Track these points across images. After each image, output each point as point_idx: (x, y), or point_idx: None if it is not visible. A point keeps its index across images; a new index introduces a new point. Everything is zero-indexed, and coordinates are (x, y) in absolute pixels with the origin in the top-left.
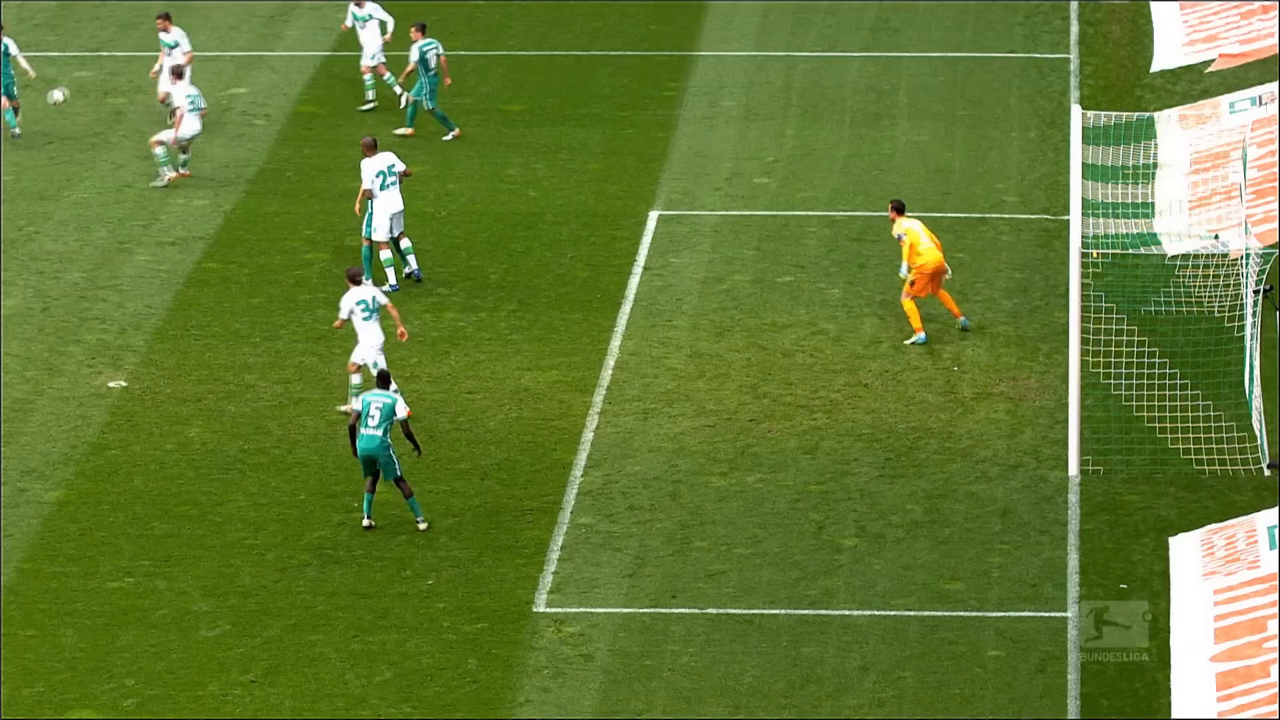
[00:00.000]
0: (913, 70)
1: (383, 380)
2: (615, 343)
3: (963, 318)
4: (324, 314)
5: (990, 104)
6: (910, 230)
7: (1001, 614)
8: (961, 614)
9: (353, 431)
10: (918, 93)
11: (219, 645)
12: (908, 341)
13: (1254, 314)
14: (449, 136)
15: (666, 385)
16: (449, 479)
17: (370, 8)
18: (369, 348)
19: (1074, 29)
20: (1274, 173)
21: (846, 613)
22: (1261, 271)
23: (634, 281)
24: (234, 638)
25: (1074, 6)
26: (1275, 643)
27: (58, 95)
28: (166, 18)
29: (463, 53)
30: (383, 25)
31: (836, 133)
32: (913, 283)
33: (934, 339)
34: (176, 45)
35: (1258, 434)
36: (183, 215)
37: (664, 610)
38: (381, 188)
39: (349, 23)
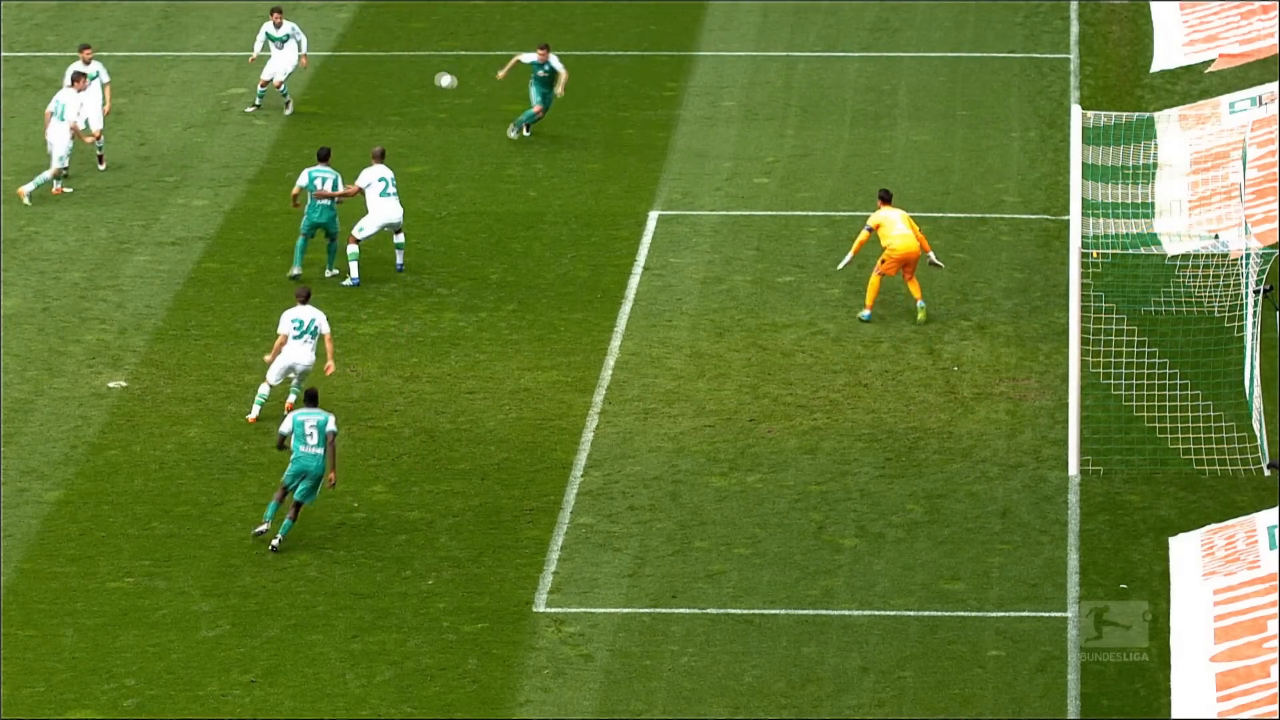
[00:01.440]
0: (913, 70)
1: (310, 399)
2: (615, 343)
3: (920, 300)
4: (324, 314)
5: (990, 104)
6: (884, 219)
7: (1001, 614)
8: (961, 614)
9: (282, 444)
10: (918, 93)
11: (219, 645)
12: (858, 315)
13: (1254, 314)
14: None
15: (666, 385)
16: (449, 479)
17: (289, 27)
18: (282, 368)
19: (1074, 29)
20: (1274, 173)
21: (846, 613)
22: (1261, 271)
23: (634, 281)
24: (234, 638)
25: (1074, 6)
26: (1275, 643)
27: (446, 80)
28: (88, 48)
29: (462, 53)
30: (299, 45)
31: (836, 133)
32: (883, 260)
33: (934, 339)
34: (97, 76)
35: (1258, 434)
36: (183, 215)
37: (664, 610)
38: (381, 194)
39: (258, 48)
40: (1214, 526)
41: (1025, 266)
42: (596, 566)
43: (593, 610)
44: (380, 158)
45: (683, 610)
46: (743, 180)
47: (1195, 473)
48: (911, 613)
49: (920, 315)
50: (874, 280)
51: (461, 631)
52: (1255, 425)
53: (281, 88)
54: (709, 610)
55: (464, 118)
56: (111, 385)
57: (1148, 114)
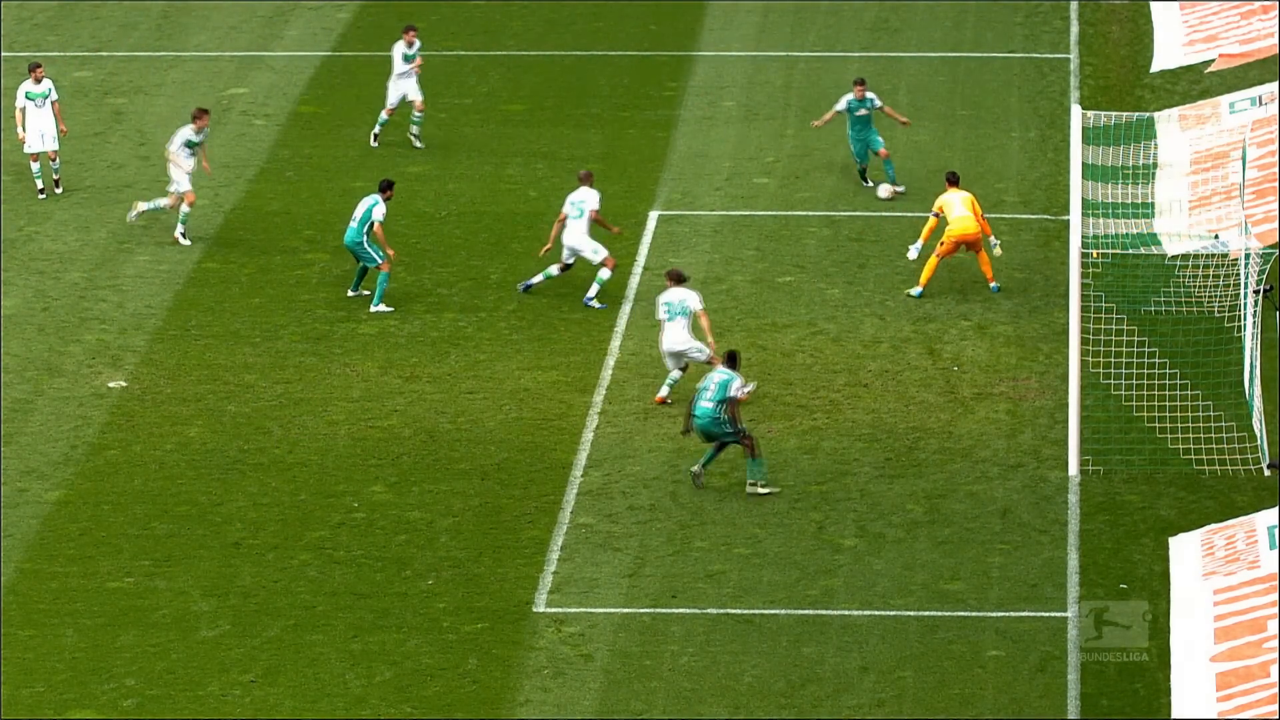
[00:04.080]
0: (913, 70)
1: (730, 359)
2: (615, 343)
3: (994, 283)
4: (324, 314)
5: (990, 104)
6: (946, 201)
7: (1001, 614)
8: (961, 614)
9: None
10: (918, 93)
11: (219, 645)
12: (908, 291)
13: (1254, 314)
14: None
15: None
16: (449, 479)
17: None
18: (667, 353)
19: (1074, 29)
20: (1274, 173)
21: (846, 613)
22: (1261, 271)
23: (634, 281)
24: (234, 638)
25: (1074, 6)
26: (1275, 643)
27: (885, 191)
28: (39, 67)
29: (462, 53)
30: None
31: (837, 133)
32: (942, 242)
33: (934, 339)
34: (48, 95)
35: (1258, 434)
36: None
37: (664, 610)
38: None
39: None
40: (1214, 526)
41: (1025, 266)
42: (596, 566)
43: (593, 610)
44: (585, 180)
45: (683, 610)
46: (743, 180)
47: (1195, 473)
48: (911, 613)
49: (998, 290)
50: (932, 260)
51: (461, 631)
52: (1255, 425)
53: (416, 114)
54: (709, 610)
55: (464, 118)
56: (111, 385)
57: (1148, 114)
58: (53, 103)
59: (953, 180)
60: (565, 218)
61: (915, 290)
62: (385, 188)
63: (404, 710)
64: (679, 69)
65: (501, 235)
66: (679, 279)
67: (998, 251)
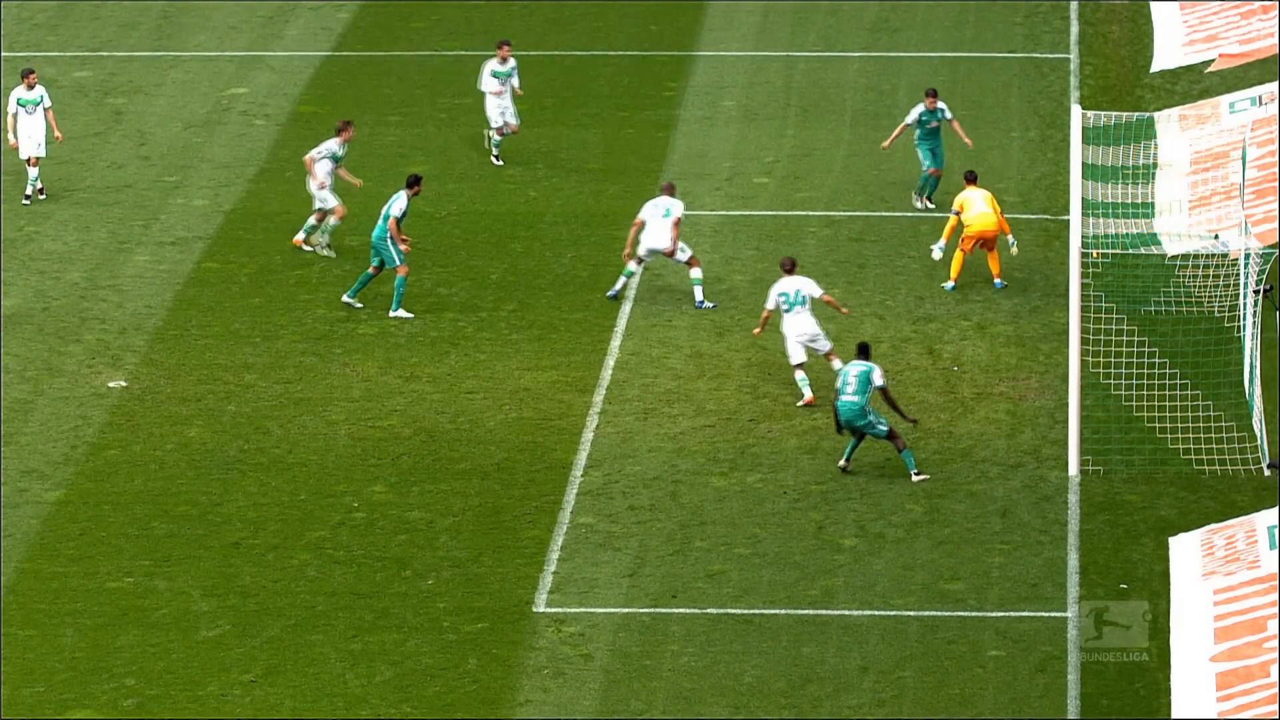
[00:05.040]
0: (913, 70)
1: (861, 351)
2: (615, 343)
3: (999, 279)
4: (324, 314)
5: (990, 104)
6: (965, 199)
7: (1001, 614)
8: (961, 614)
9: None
10: (918, 93)
11: (219, 645)
12: (942, 284)
13: (1254, 314)
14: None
15: (666, 385)
16: (449, 479)
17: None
18: (794, 343)
19: (1074, 29)
20: (1274, 173)
21: (846, 613)
22: (1261, 271)
23: (634, 282)
24: (234, 638)
25: (1074, 6)
26: (1275, 643)
27: (939, 254)
28: (32, 73)
29: (463, 53)
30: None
31: (836, 133)
32: (963, 239)
33: (934, 339)
34: (40, 102)
35: (1258, 434)
36: (183, 215)
37: (664, 610)
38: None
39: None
40: (1214, 526)
41: (1025, 266)
42: (596, 566)
43: (593, 610)
44: (668, 191)
45: (683, 610)
46: (743, 180)
47: (1195, 473)
48: (911, 613)
49: (1001, 287)
50: (958, 256)
51: (461, 631)
52: (1255, 425)
53: (505, 131)
54: (709, 610)
55: (464, 118)
56: (111, 385)
57: (1148, 114)
58: (45, 110)
59: (970, 179)
60: (643, 222)
61: (948, 284)
62: (412, 183)
63: (404, 710)
64: (679, 69)
65: (501, 235)
66: (791, 267)
67: (1014, 251)
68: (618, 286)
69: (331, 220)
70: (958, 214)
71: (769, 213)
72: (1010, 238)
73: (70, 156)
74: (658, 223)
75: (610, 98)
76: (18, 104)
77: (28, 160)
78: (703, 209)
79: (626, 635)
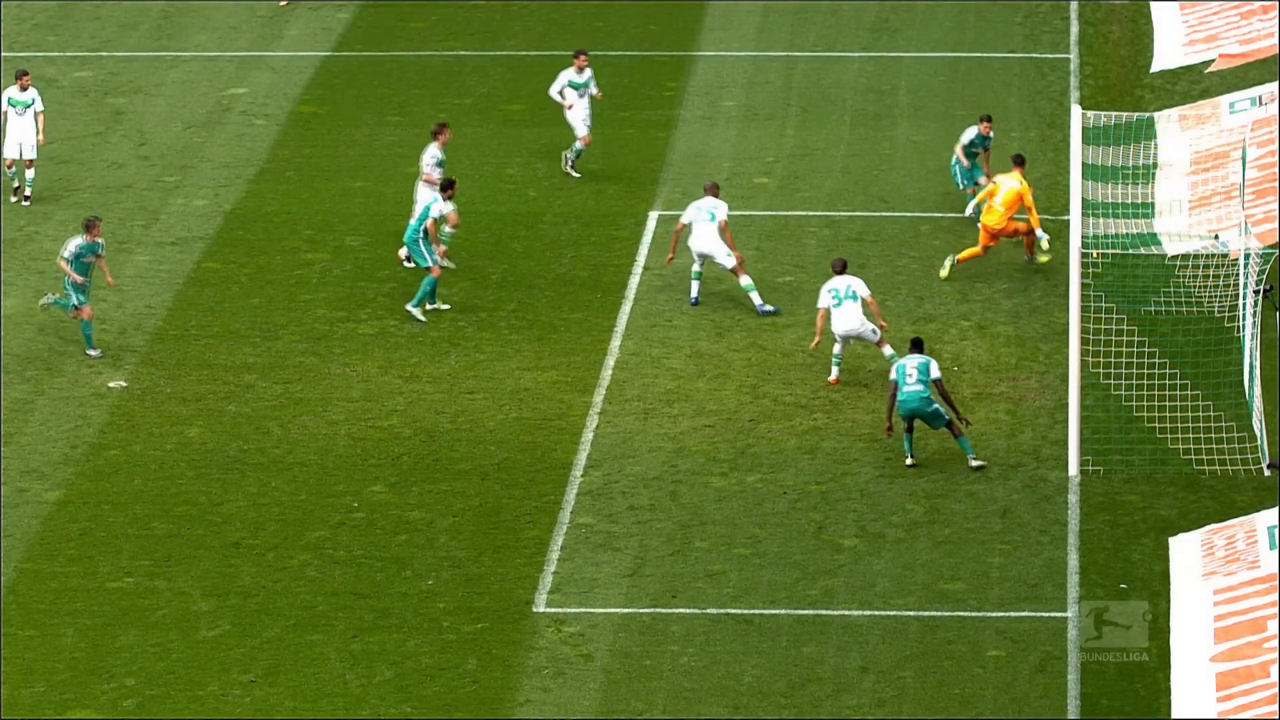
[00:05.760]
0: (913, 70)
1: (915, 345)
2: (615, 343)
3: (1028, 256)
4: (324, 314)
5: (990, 104)
6: (998, 181)
7: (1001, 614)
8: (961, 614)
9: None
10: (918, 93)
11: (219, 645)
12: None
13: (1254, 314)
14: None
15: (666, 385)
16: (449, 479)
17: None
18: (841, 336)
19: (1074, 29)
20: (1274, 173)
21: (846, 613)
22: (1261, 271)
23: (634, 281)
24: (234, 638)
25: (1074, 6)
26: (1275, 643)
27: (947, 270)
28: (26, 75)
29: (462, 53)
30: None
31: (836, 133)
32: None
33: (934, 339)
34: (32, 104)
35: (1258, 434)
36: (183, 215)
37: (664, 610)
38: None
39: (566, 97)
40: (1214, 526)
41: (1025, 266)
42: (596, 566)
43: (593, 610)
44: (712, 191)
45: (683, 610)
46: (743, 180)
47: (1195, 473)
48: (911, 613)
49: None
50: (973, 250)
51: (461, 631)
52: (1255, 425)
53: (581, 145)
54: (709, 610)
55: (464, 118)
56: (111, 385)
57: (1148, 114)
58: (36, 113)
59: (1019, 162)
60: (684, 225)
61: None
62: (445, 186)
63: (404, 710)
64: (679, 69)
65: (501, 235)
66: (843, 268)
67: (1044, 245)
68: (695, 293)
69: (446, 228)
70: (990, 191)
71: (769, 213)
72: (1040, 232)
73: (70, 156)
74: (703, 226)
75: (610, 98)
76: (9, 104)
77: (8, 162)
78: None
79: (626, 635)
